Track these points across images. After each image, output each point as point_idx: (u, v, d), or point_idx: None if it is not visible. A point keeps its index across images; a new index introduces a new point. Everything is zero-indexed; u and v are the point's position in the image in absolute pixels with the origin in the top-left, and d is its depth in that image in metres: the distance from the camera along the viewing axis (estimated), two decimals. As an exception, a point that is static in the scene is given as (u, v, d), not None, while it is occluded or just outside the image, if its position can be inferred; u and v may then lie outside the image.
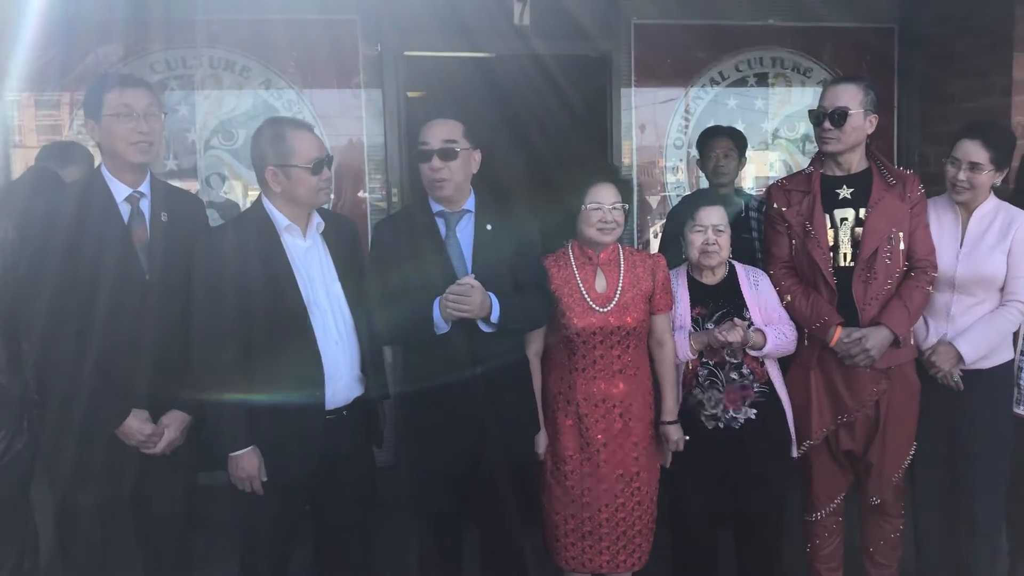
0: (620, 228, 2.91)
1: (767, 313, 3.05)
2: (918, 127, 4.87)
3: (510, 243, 2.82)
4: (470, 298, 2.61)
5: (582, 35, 4.64)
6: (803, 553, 3.32)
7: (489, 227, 2.81)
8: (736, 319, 2.94)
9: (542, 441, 2.94)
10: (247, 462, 2.58)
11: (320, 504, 2.78)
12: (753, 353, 2.98)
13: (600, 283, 2.94)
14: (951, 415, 3.11)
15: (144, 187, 2.69)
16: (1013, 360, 3.12)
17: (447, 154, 2.72)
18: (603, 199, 2.87)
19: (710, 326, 2.99)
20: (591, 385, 2.89)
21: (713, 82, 4.85)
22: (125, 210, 2.65)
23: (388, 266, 2.73)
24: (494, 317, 2.68)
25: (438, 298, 2.63)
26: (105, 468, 2.60)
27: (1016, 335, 3.11)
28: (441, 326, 2.66)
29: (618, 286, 2.92)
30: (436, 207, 2.81)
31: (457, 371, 2.69)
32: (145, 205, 2.68)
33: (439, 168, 2.72)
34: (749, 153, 4.14)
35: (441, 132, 2.74)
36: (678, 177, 4.92)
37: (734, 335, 2.89)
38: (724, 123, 4.36)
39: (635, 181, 4.83)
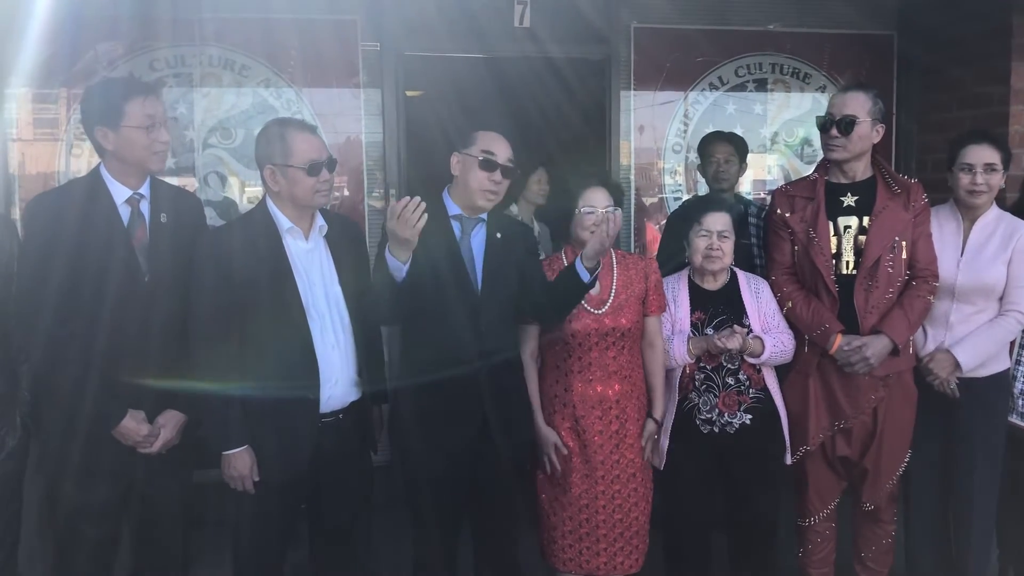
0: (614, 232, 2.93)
1: (766, 321, 3.06)
2: (917, 134, 4.88)
3: (515, 254, 2.85)
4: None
5: (582, 38, 4.64)
6: (795, 557, 3.34)
7: (499, 235, 2.84)
8: (735, 326, 2.95)
9: (549, 438, 2.94)
10: (240, 461, 2.58)
11: (316, 506, 2.79)
12: (751, 360, 2.99)
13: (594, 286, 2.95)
14: (946, 422, 3.12)
15: (144, 189, 2.68)
16: (1008, 369, 3.14)
17: (509, 172, 2.78)
18: (597, 202, 2.90)
19: (709, 331, 3.00)
20: (587, 387, 2.91)
21: (712, 87, 4.86)
22: (125, 212, 2.64)
23: None
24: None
25: (387, 246, 2.51)
26: (101, 468, 2.61)
27: (1012, 344, 3.13)
28: (397, 267, 2.51)
29: (612, 288, 2.95)
30: (455, 209, 2.81)
31: (461, 368, 2.70)
32: (145, 207, 2.67)
33: (501, 183, 2.76)
34: (748, 158, 4.14)
35: (506, 149, 2.78)
36: (676, 180, 4.92)
37: (733, 342, 2.90)
38: (723, 128, 4.37)
39: (633, 184, 4.83)
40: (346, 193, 4.57)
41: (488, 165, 2.74)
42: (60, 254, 2.50)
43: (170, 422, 2.69)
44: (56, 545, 2.71)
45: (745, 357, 2.98)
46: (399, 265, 2.51)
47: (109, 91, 2.64)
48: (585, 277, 2.67)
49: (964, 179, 3.07)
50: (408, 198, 2.43)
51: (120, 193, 2.64)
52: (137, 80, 2.78)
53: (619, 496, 2.92)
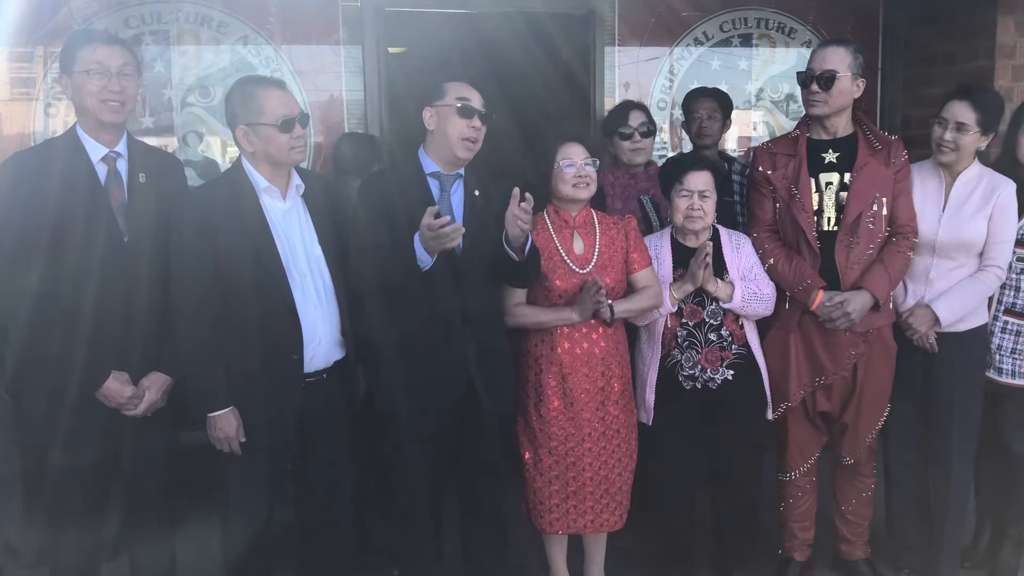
0: (594, 184, 2.94)
1: (745, 274, 3.07)
2: (902, 89, 4.85)
3: (493, 211, 2.83)
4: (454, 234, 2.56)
5: (566, -8, 4.58)
6: (776, 511, 3.38)
7: (477, 193, 2.83)
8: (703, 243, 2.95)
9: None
10: (225, 423, 2.59)
11: (302, 466, 2.79)
12: (724, 305, 3.00)
13: (578, 245, 2.96)
14: (925, 377, 3.15)
15: (121, 147, 2.65)
16: (986, 324, 3.16)
17: (486, 118, 2.75)
18: (575, 155, 2.89)
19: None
20: (574, 345, 2.92)
21: (697, 42, 4.81)
22: (102, 171, 2.60)
23: (379, 223, 2.70)
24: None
25: (416, 234, 2.57)
26: (87, 431, 2.60)
27: (990, 300, 3.15)
28: (425, 260, 2.60)
29: (595, 247, 2.95)
30: (432, 166, 2.79)
31: (444, 329, 2.71)
32: (122, 166, 2.64)
33: (480, 129, 2.74)
34: (732, 114, 4.11)
35: (479, 96, 2.75)
36: (661, 137, 4.88)
37: (700, 262, 2.90)
38: (708, 84, 4.32)
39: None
40: (327, 152, 4.52)
41: (466, 111, 2.72)
42: (36, 213, 2.47)
43: (155, 384, 2.68)
44: (43, 509, 2.70)
45: (721, 304, 3.00)
46: (428, 260, 2.58)
47: (73, 39, 2.62)
48: (515, 257, 2.67)
49: (936, 131, 3.06)
50: (452, 224, 2.48)
51: (96, 151, 2.60)
52: (106, 32, 2.74)
53: (604, 453, 2.95)
